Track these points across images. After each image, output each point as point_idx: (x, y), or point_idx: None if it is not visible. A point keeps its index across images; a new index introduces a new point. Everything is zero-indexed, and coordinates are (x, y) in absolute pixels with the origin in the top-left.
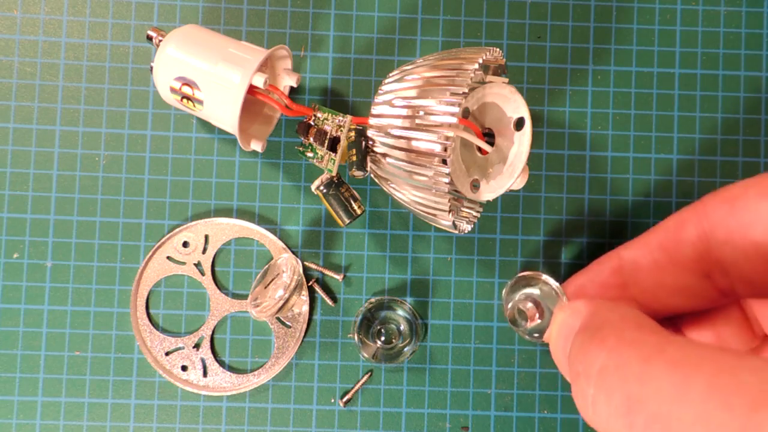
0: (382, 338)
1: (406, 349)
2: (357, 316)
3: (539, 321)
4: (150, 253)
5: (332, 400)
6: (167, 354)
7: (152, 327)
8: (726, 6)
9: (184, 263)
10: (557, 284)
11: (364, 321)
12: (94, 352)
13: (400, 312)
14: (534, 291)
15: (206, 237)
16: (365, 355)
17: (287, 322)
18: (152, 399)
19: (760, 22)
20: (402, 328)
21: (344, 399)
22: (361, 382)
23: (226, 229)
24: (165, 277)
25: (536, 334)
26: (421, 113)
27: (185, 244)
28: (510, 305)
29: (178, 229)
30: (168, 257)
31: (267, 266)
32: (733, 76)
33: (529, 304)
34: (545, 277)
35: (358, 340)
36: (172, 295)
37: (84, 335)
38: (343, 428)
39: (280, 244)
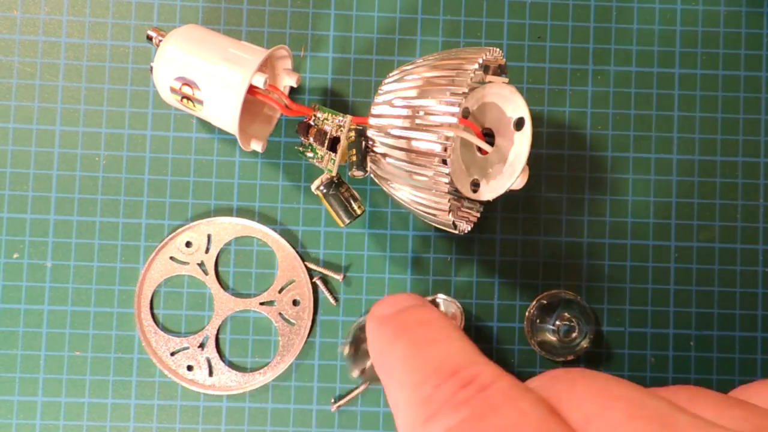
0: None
1: None
2: (348, 336)
3: (575, 335)
4: (153, 254)
5: (332, 401)
6: (172, 354)
7: (157, 327)
8: (726, 6)
9: (187, 263)
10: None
11: (356, 339)
12: (94, 352)
13: None
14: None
15: (209, 236)
16: (355, 373)
17: (291, 320)
18: (152, 399)
19: (760, 22)
20: None
21: (337, 404)
22: (356, 392)
23: (228, 228)
24: (168, 277)
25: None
26: (421, 113)
27: (188, 244)
28: (549, 327)
29: (180, 229)
30: (171, 257)
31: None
32: (733, 76)
33: (568, 323)
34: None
35: (350, 355)
36: (175, 295)
37: (84, 335)
38: (343, 428)
39: (283, 242)
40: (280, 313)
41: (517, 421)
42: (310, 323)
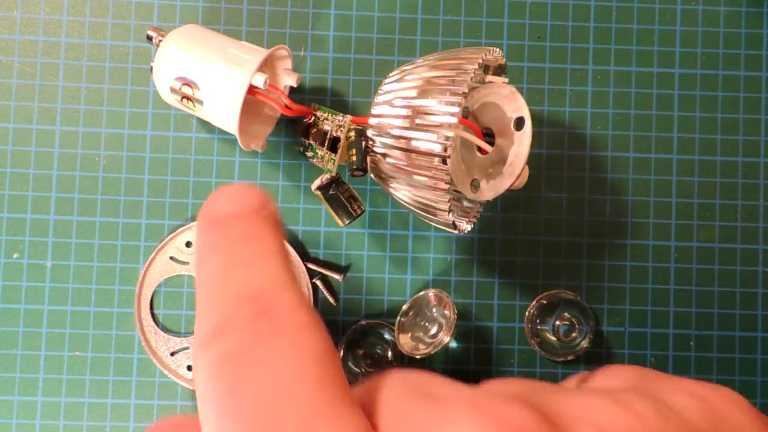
0: (367, 362)
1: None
2: (341, 344)
3: (575, 335)
4: (153, 254)
5: None
6: (172, 354)
7: (157, 327)
8: (726, 6)
9: (187, 263)
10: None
11: (351, 345)
12: (94, 352)
13: (387, 336)
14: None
15: None
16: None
17: None
18: (152, 399)
19: (760, 22)
20: (388, 354)
21: None
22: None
23: None
24: (168, 277)
25: (564, 353)
26: (421, 113)
27: (188, 244)
28: (549, 327)
29: (180, 229)
30: (171, 257)
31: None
32: (733, 76)
33: (568, 323)
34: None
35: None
36: (175, 295)
37: (84, 335)
38: None
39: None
40: None
41: (291, 351)
42: None
